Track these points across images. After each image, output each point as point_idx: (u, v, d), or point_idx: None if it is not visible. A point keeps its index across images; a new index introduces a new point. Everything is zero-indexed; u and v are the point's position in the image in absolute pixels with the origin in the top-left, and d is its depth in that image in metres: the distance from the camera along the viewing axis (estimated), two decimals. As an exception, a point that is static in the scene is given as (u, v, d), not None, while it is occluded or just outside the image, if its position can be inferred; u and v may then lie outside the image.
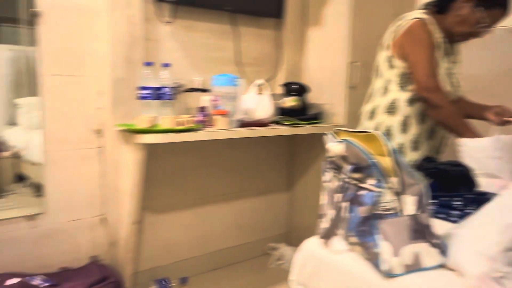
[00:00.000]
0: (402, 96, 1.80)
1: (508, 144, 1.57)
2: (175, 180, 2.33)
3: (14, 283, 1.66)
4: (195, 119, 1.99)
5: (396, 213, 1.14)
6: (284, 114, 2.36)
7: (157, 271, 2.29)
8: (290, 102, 2.41)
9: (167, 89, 1.99)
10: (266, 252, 2.77)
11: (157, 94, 1.97)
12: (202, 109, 2.04)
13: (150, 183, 2.21)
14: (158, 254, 2.31)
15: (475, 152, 1.59)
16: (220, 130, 1.97)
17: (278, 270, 2.55)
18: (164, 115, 1.87)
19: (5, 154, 2.01)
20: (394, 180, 1.15)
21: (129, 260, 1.94)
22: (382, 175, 1.14)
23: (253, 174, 2.69)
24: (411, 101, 1.80)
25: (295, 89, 2.45)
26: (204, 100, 2.11)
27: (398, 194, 1.15)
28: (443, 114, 1.71)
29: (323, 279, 1.32)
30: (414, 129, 1.82)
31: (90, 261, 1.98)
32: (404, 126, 1.83)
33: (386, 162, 1.16)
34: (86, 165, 2.01)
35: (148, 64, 1.94)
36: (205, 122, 2.03)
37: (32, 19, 1.82)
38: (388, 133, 1.85)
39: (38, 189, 1.93)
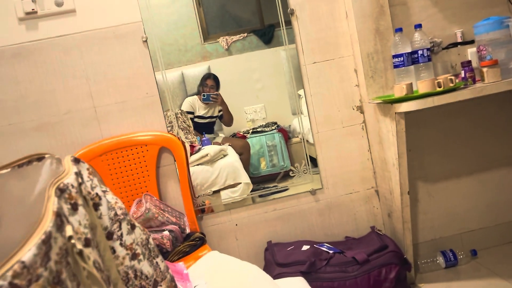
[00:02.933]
0: None
1: None
2: (447, 146, 2.16)
3: (308, 248, 1.92)
4: (458, 76, 1.80)
5: None
6: None
7: (440, 242, 2.19)
8: None
9: (421, 52, 1.88)
10: None
11: (412, 58, 1.89)
12: (465, 64, 1.83)
13: (419, 152, 2.13)
14: (439, 225, 2.20)
15: None
16: (491, 83, 1.70)
17: None
18: (421, 79, 1.77)
19: (295, 139, 2.33)
20: None
21: (406, 230, 1.93)
22: None
23: (549, 129, 2.21)
24: None
25: None
26: (468, 53, 1.88)
27: None
28: None
29: None
30: None
31: (370, 231, 2.08)
32: None
33: None
34: (352, 141, 2.12)
35: (398, 30, 1.88)
36: (471, 77, 1.80)
37: (289, 18, 2.05)
38: None
39: (316, 167, 2.16)
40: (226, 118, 2.23)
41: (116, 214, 0.65)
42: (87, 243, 0.56)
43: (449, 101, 1.67)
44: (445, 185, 2.19)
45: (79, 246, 0.51)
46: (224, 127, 2.28)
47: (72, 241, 0.50)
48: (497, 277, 1.94)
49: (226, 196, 2.15)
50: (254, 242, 2.11)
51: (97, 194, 0.62)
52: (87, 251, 0.54)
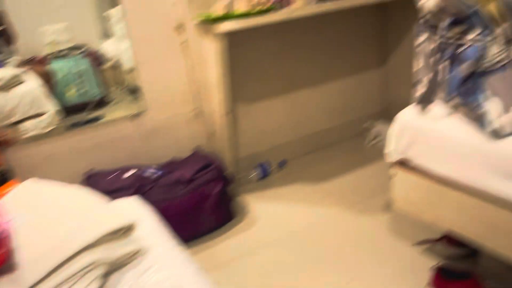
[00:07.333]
0: None
1: None
2: (262, 68, 2.30)
3: (133, 174, 1.86)
4: (272, -1, 1.88)
5: (505, 65, 1.00)
6: (371, -21, 2.12)
7: (256, 156, 2.40)
8: (376, -36, 2.13)
9: (239, -29, 1.88)
10: (361, 132, 2.72)
11: (230, -23, 1.87)
12: (278, -14, 1.91)
13: (238, 74, 2.21)
14: (255, 141, 2.39)
15: None
16: (300, 7, 1.84)
17: (374, 149, 2.51)
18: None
19: (106, 65, 2.13)
20: (502, 27, 0.99)
21: (226, 148, 2.04)
22: (487, 23, 0.98)
23: (342, 53, 2.54)
24: None
25: None
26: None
27: (509, 43, 0.99)
28: None
29: (421, 147, 1.25)
30: None
31: (194, 151, 2.13)
32: None
33: (491, 7, 0.99)
34: (174, 62, 2.06)
35: None
36: (283, 1, 1.90)
37: None
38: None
39: (135, 92, 2.04)
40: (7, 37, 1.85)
41: None
42: None
43: (264, 22, 1.74)
44: (260, 104, 2.36)
45: None
46: (18, 47, 1.91)
47: None
48: (302, 181, 2.25)
49: (31, 126, 1.88)
50: (71, 174, 1.93)
51: None
52: None
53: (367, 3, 2.03)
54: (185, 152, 2.15)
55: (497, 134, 1.01)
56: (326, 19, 2.37)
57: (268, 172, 2.33)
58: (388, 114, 2.76)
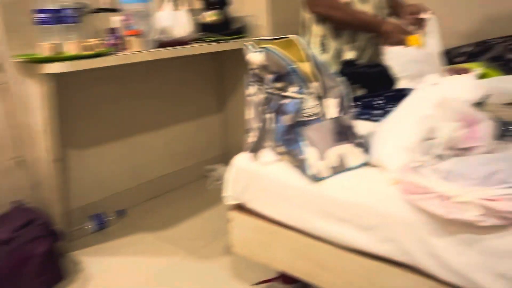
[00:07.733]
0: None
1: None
2: (98, 112, 2.18)
3: None
4: (106, 42, 1.82)
5: (319, 118, 1.13)
6: (206, 31, 2.23)
7: (91, 207, 2.21)
8: (210, 16, 2.26)
9: (69, 11, 1.77)
10: (203, 175, 2.76)
11: (58, 17, 1.75)
12: (112, 31, 1.86)
13: (69, 117, 2.04)
14: (90, 190, 2.21)
15: (398, 56, 1.59)
16: (135, 52, 1.82)
17: (217, 191, 2.56)
18: (68, 41, 1.68)
19: None
20: (315, 85, 1.13)
21: (55, 200, 1.84)
22: (303, 81, 1.11)
23: (182, 99, 2.58)
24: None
25: (215, 2, 2.29)
26: (114, 20, 1.92)
27: (320, 98, 1.13)
28: (338, 17, 1.71)
29: (255, 191, 1.32)
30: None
31: (13, 206, 1.85)
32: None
33: (305, 67, 1.13)
34: (-12, 105, 1.80)
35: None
36: (118, 45, 1.86)
37: None
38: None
39: None
40: None
41: None
42: None
43: (97, 66, 1.66)
44: (94, 150, 2.21)
45: None
46: None
47: None
48: (144, 230, 2.15)
49: None
50: None
51: None
52: None
53: (201, 52, 2.12)
54: (2, 208, 1.86)
55: (316, 178, 1.12)
56: (167, 64, 2.40)
57: (105, 223, 2.17)
58: (228, 158, 2.87)
